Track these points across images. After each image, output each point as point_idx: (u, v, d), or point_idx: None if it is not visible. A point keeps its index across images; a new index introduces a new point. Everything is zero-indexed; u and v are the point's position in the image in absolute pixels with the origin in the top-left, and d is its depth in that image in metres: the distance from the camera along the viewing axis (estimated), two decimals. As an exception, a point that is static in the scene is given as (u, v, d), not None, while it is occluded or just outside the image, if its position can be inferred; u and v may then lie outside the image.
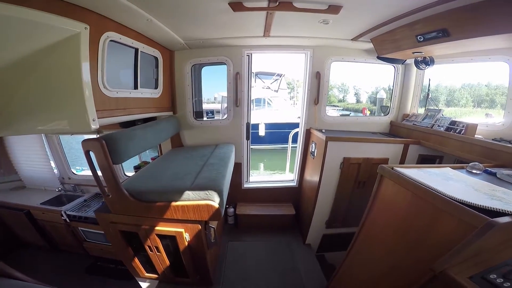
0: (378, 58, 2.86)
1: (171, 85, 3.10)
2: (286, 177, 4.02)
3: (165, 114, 3.04)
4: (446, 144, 2.40)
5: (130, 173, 3.69)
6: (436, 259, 0.98)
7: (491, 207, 1.01)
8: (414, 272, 1.24)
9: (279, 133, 9.97)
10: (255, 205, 3.69)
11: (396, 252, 1.45)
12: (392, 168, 1.55)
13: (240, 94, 3.16)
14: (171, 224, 1.97)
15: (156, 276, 2.39)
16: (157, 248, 2.10)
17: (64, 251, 3.56)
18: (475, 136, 2.21)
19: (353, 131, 3.31)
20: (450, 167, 1.66)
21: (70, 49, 1.48)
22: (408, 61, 2.98)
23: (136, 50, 2.29)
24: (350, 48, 2.98)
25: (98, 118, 1.62)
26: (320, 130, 3.10)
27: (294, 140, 3.83)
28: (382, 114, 3.49)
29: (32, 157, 3.71)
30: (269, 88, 12.58)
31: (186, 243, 2.02)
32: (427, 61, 2.65)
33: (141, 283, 2.52)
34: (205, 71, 3.41)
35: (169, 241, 2.09)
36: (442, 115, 2.67)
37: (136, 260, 2.28)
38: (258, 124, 9.38)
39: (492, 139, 2.07)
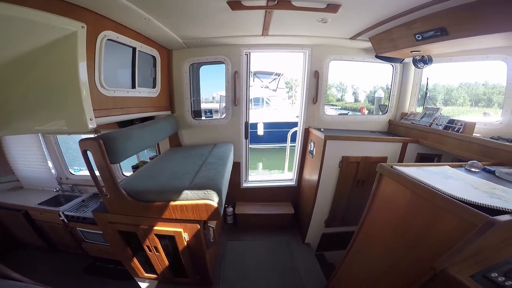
0: (377, 57, 2.86)
1: (169, 84, 3.08)
2: (285, 176, 4.01)
3: (163, 113, 3.03)
4: (444, 143, 2.40)
5: (128, 173, 3.68)
6: (436, 257, 0.98)
7: (491, 205, 1.01)
8: (414, 271, 1.24)
9: (277, 132, 9.96)
10: (254, 205, 3.68)
11: (395, 251, 1.45)
12: (391, 167, 1.55)
13: (239, 93, 3.15)
14: (170, 224, 1.96)
15: (155, 276, 2.38)
16: (156, 248, 2.09)
17: (63, 251, 3.55)
18: (473, 134, 2.21)
19: (351, 130, 3.31)
20: (449, 165, 1.66)
21: (67, 48, 1.47)
22: (406, 60, 2.98)
23: (134, 49, 2.28)
24: (349, 47, 2.98)
25: (95, 118, 1.60)
26: (319, 129, 3.10)
27: (293, 139, 3.83)
28: (381, 113, 3.50)
29: (30, 157, 3.68)
30: (268, 87, 12.57)
31: (185, 243, 2.02)
32: (425, 60, 2.65)
33: (140, 283, 2.51)
34: (203, 70, 3.40)
35: (168, 241, 2.08)
36: (440, 113, 2.68)
37: (135, 260, 2.27)
38: (257, 123, 9.37)
39: (490, 138, 2.07)
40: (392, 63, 3.16)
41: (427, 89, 3.01)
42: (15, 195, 3.64)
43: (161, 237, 2.04)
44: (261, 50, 3.13)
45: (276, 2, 1.75)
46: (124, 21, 2.00)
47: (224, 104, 3.38)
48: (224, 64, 3.09)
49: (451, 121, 2.44)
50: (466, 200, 1.06)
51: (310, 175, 3.19)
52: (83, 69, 1.51)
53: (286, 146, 4.58)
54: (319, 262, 3.04)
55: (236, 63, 3.05)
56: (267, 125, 9.82)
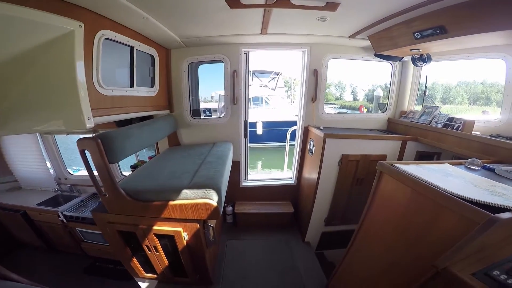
0: (376, 55, 2.86)
1: (168, 83, 3.07)
2: (285, 175, 4.01)
3: (161, 112, 3.02)
4: (443, 141, 2.40)
5: (127, 173, 3.66)
6: (437, 255, 0.98)
7: (492, 203, 1.01)
8: (414, 269, 1.24)
9: (276, 131, 9.96)
10: (253, 204, 3.68)
11: (395, 249, 1.45)
12: (391, 165, 1.55)
13: (238, 92, 3.14)
14: (169, 223, 1.96)
15: (155, 276, 2.38)
16: (155, 248, 2.08)
17: (62, 251, 3.53)
18: (473, 132, 2.21)
19: (351, 128, 3.31)
20: (449, 163, 1.66)
21: (64, 47, 1.46)
22: (405, 58, 2.98)
23: (132, 48, 2.27)
24: (348, 45, 2.98)
25: (93, 117, 1.59)
26: (318, 128, 3.09)
27: (292, 138, 3.82)
28: (380, 111, 3.50)
29: (28, 157, 3.67)
30: (267, 86, 12.56)
31: (185, 243, 2.01)
32: (424, 58, 2.65)
33: (140, 283, 2.50)
34: (202, 69, 3.39)
35: (168, 240, 2.07)
36: (440, 112, 2.68)
37: (135, 260, 2.27)
38: (256, 122, 9.37)
39: (490, 135, 2.07)
40: (391, 62, 3.17)
41: (426, 87, 3.01)
42: (14, 195, 3.62)
43: (161, 236, 2.03)
44: (260, 49, 3.12)
45: (275, 0, 1.75)
46: (122, 20, 1.99)
47: (223, 103, 3.37)
48: (223, 63, 3.08)
49: (450, 119, 2.44)
50: (467, 198, 1.06)
51: (310, 174, 3.19)
52: (81, 68, 1.51)
53: (285, 145, 4.58)
54: (319, 260, 3.04)
55: (235, 62, 3.04)
56: (266, 124, 9.82)
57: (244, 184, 3.73)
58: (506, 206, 0.97)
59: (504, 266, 0.83)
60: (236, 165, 3.46)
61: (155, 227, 1.96)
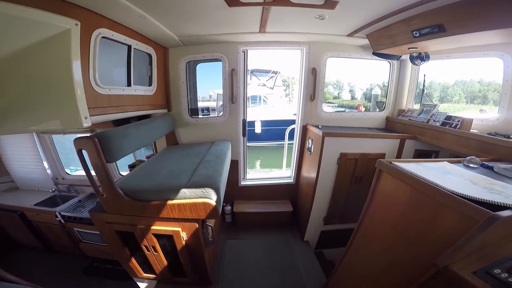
0: (374, 54, 2.86)
1: (166, 82, 3.06)
2: (283, 174, 4.01)
3: (159, 111, 3.00)
4: (442, 139, 2.41)
5: (125, 172, 3.64)
6: (436, 254, 0.97)
7: (491, 201, 1.00)
8: (414, 268, 1.24)
9: (275, 130, 9.95)
10: (252, 203, 3.68)
11: (395, 248, 1.44)
12: (391, 163, 1.54)
13: (236, 91, 3.13)
14: (168, 223, 1.95)
15: (154, 276, 2.37)
16: (154, 248, 2.07)
17: (60, 252, 3.52)
18: (471, 130, 2.22)
19: (349, 127, 3.31)
20: (447, 161, 1.66)
21: (60, 46, 1.45)
22: (403, 57, 2.98)
23: (129, 47, 2.25)
24: (346, 44, 2.98)
25: (90, 116, 1.58)
26: (317, 126, 3.09)
27: (291, 136, 3.82)
28: (378, 110, 3.50)
29: (24, 158, 3.65)
30: (265, 85, 12.53)
31: (184, 242, 2.00)
32: (423, 57, 2.65)
33: (139, 284, 2.49)
34: (200, 68, 3.38)
35: (166, 240, 2.06)
36: (438, 110, 2.68)
37: (133, 260, 2.26)
38: (254, 121, 9.35)
39: (487, 134, 2.08)
40: (389, 60, 3.17)
41: (424, 86, 3.01)
42: (11, 196, 3.60)
43: (159, 236, 2.02)
44: (258, 48, 3.11)
45: (273, -2, 1.74)
46: (119, 18, 1.98)
47: (221, 102, 3.36)
48: (221, 62, 3.06)
49: (448, 118, 2.44)
50: (467, 195, 1.05)
51: (308, 173, 3.19)
52: (77, 67, 1.50)
53: (283, 144, 4.57)
54: (318, 259, 3.04)
55: (233, 61, 3.03)
56: (265, 123, 9.81)
57: (243, 183, 3.72)
58: (506, 204, 0.97)
59: (505, 264, 0.83)
60: (234, 164, 3.45)
61: (153, 227, 1.95)
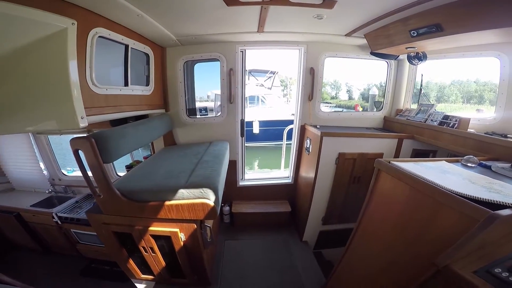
0: (372, 53, 2.87)
1: (163, 82, 3.04)
2: (282, 174, 4.01)
3: (157, 111, 2.98)
4: (439, 138, 2.42)
5: (122, 173, 3.62)
6: (436, 253, 0.97)
7: (491, 200, 1.01)
8: (413, 267, 1.24)
9: (273, 130, 9.95)
10: (250, 203, 3.67)
11: (394, 248, 1.44)
12: (389, 162, 1.55)
13: (234, 91, 3.12)
14: (166, 224, 1.93)
15: (152, 277, 2.35)
16: (152, 249, 2.06)
17: (57, 253, 3.48)
18: (468, 130, 2.23)
19: (347, 127, 3.32)
20: (445, 160, 1.67)
21: (56, 46, 1.44)
22: (401, 56, 2.99)
23: (126, 46, 2.24)
24: (344, 44, 2.98)
25: (87, 116, 1.57)
26: (315, 126, 3.09)
27: (289, 137, 3.82)
28: (376, 110, 3.51)
29: (20, 158, 3.61)
30: (263, 85, 12.54)
31: (182, 243, 1.99)
32: (420, 57, 2.66)
33: (137, 285, 2.48)
34: (198, 69, 3.36)
35: (164, 241, 2.05)
36: (435, 110, 2.69)
37: (131, 261, 2.24)
38: (252, 121, 9.35)
39: (484, 133, 2.09)
40: (387, 60, 3.18)
41: (421, 85, 3.02)
42: (7, 197, 3.57)
43: (157, 237, 2.01)
44: (257, 47, 3.11)
45: (272, -3, 1.73)
46: (116, 18, 1.96)
47: (219, 103, 3.35)
48: (219, 62, 3.05)
49: (446, 117, 2.45)
50: (466, 195, 1.05)
51: (307, 172, 3.18)
52: (74, 66, 1.48)
53: (281, 144, 4.57)
54: (317, 260, 3.04)
55: (231, 60, 3.02)
56: (263, 123, 9.80)
57: (241, 183, 3.71)
58: (506, 203, 0.97)
59: (506, 264, 0.83)
60: (233, 165, 3.44)
61: (151, 228, 1.94)
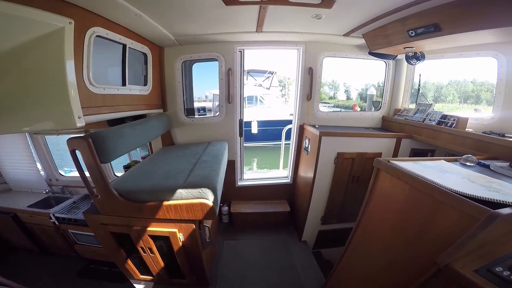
0: (370, 53, 2.87)
1: (161, 82, 3.02)
2: (280, 174, 4.00)
3: (155, 111, 2.97)
4: (438, 138, 2.43)
5: (120, 173, 3.60)
6: (436, 253, 0.97)
7: (491, 199, 1.01)
8: (413, 266, 1.24)
9: (271, 130, 9.97)
10: (249, 203, 3.66)
11: (394, 247, 1.44)
12: (388, 161, 1.55)
13: (233, 90, 3.11)
14: (164, 224, 1.92)
15: (151, 278, 2.34)
16: (150, 249, 2.04)
17: (55, 254, 3.45)
18: (466, 129, 2.24)
19: (346, 127, 3.32)
20: (444, 159, 1.67)
21: (53, 45, 1.42)
22: (399, 56, 2.99)
23: (124, 46, 2.22)
24: (342, 43, 2.98)
25: (84, 116, 1.55)
26: (314, 126, 3.09)
27: (287, 137, 3.82)
28: (374, 109, 3.52)
29: (17, 159, 3.59)
30: (261, 85, 12.55)
31: (180, 244, 1.98)
32: (418, 57, 2.67)
33: (136, 286, 2.47)
34: (196, 69, 3.35)
35: (163, 242, 2.04)
36: (433, 109, 2.70)
37: (129, 262, 2.23)
38: (251, 121, 9.35)
39: (483, 132, 2.10)
40: (385, 60, 3.18)
41: (419, 85, 3.03)
42: (3, 197, 3.53)
43: (155, 238, 2.00)
44: (255, 47, 3.10)
45: (270, -4, 1.73)
46: (114, 17, 1.95)
47: (217, 103, 3.34)
48: (217, 62, 3.04)
49: (444, 117, 2.46)
50: (466, 193, 1.05)
51: (306, 172, 3.18)
52: (71, 66, 1.46)
53: (280, 144, 4.57)
54: (316, 259, 3.04)
55: (229, 60, 3.01)
56: (261, 123, 9.81)
57: (240, 183, 3.70)
58: (506, 202, 0.97)
59: (507, 262, 0.83)
60: (231, 165, 3.44)
61: (149, 228, 1.93)
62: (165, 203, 1.83)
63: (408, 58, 2.75)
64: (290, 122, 3.59)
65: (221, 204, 3.48)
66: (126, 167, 2.99)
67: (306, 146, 3.15)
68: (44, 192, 3.66)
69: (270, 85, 12.70)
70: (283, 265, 2.85)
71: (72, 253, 3.33)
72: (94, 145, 1.63)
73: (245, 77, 3.44)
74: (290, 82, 14.68)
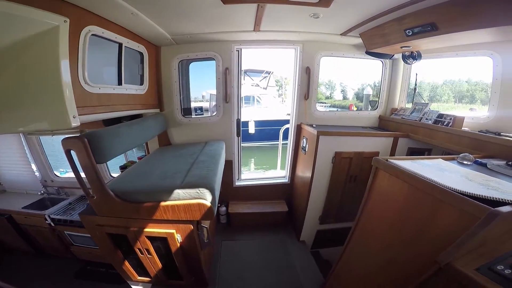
0: (367, 53, 2.89)
1: (158, 81, 3.00)
2: (278, 174, 4.00)
3: (151, 111, 2.94)
4: (434, 137, 2.44)
5: (116, 174, 3.57)
6: (435, 251, 0.97)
7: (490, 197, 1.01)
8: (412, 265, 1.24)
9: (268, 130, 9.98)
10: (247, 203, 3.65)
11: (393, 246, 1.44)
12: (387, 160, 1.55)
13: (230, 90, 3.10)
14: (162, 225, 1.90)
15: (148, 279, 2.31)
16: (147, 250, 2.02)
17: (51, 256, 3.41)
18: (462, 128, 2.25)
19: (343, 126, 3.33)
20: (442, 158, 1.68)
21: (48, 44, 1.40)
22: (395, 56, 3.01)
23: (120, 45, 2.20)
24: (340, 43, 2.98)
25: (79, 115, 1.53)
26: (311, 125, 3.09)
27: (285, 136, 3.81)
28: (370, 109, 3.53)
29: (12, 160, 3.54)
30: (258, 85, 12.54)
31: (178, 244, 1.96)
32: (415, 56, 2.68)
33: (133, 287, 2.44)
34: (193, 68, 3.33)
35: (160, 243, 2.01)
36: (430, 108, 2.72)
37: (127, 263, 2.20)
38: (248, 121, 9.34)
39: (479, 131, 2.11)
40: (382, 59, 3.19)
41: (416, 84, 3.05)
42: (-3, 199, 3.47)
43: (153, 239, 1.97)
44: (253, 46, 3.09)
45: (268, -5, 1.72)
46: (110, 16, 1.93)
47: (214, 103, 3.32)
48: (214, 61, 3.03)
49: (440, 116, 2.48)
50: (465, 192, 1.06)
51: (303, 172, 3.18)
52: (66, 65, 1.45)
53: (277, 144, 4.57)
54: (315, 259, 3.03)
55: (227, 60, 3.00)
56: (258, 123, 9.81)
57: (238, 183, 3.69)
58: (505, 200, 0.98)
59: (507, 261, 0.83)
60: (229, 165, 3.42)
61: (146, 229, 1.90)
62: (163, 203, 1.81)
63: (404, 58, 2.76)
64: (287, 122, 3.59)
65: (219, 205, 3.46)
66: (123, 168, 2.96)
67: (304, 145, 3.15)
68: (39, 193, 3.62)
69: (267, 85, 12.70)
70: (281, 265, 2.84)
71: (68, 255, 3.29)
72: (90, 145, 1.60)
73: (242, 77, 3.42)
74: (287, 82, 14.68)
